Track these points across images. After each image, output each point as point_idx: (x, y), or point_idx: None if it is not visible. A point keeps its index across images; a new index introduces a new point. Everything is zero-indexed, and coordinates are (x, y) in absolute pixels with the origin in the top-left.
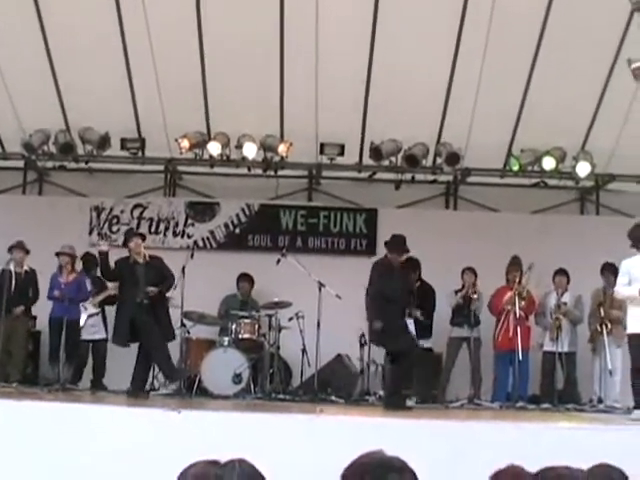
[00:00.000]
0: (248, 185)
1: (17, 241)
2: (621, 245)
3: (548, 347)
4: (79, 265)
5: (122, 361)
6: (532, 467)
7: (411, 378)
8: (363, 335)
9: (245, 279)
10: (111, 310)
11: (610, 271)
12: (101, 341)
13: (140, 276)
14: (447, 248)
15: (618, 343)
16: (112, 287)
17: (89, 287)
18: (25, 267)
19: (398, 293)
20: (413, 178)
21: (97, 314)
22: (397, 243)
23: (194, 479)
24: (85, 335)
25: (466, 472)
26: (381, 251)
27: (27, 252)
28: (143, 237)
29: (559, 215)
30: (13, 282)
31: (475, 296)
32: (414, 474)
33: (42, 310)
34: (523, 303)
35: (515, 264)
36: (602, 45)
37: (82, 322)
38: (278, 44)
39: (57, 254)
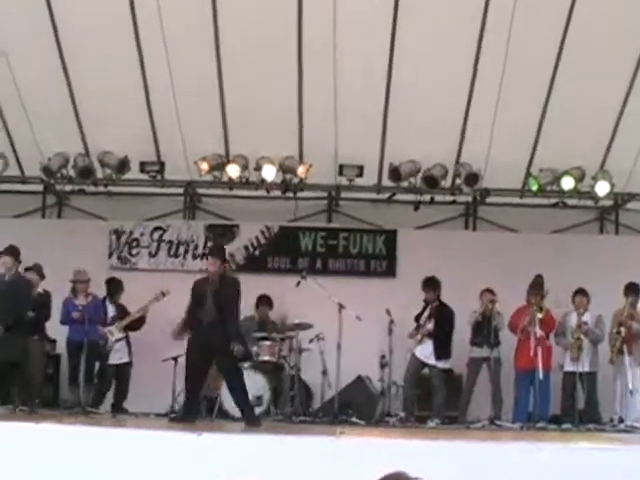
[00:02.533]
0: (267, 207)
1: (33, 264)
2: None
3: (569, 367)
4: (97, 289)
5: (142, 384)
6: None
7: (431, 400)
8: (384, 357)
9: (264, 301)
10: (135, 335)
11: (634, 291)
12: (125, 365)
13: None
14: (466, 269)
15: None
16: (135, 311)
17: (111, 312)
18: (39, 289)
19: None
20: (432, 199)
21: (122, 339)
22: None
23: None
24: (111, 360)
25: None
26: (401, 272)
27: (42, 276)
28: (223, 259)
29: (578, 235)
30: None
31: (493, 310)
32: None
33: (61, 334)
34: (540, 315)
35: (538, 283)
36: (621, 65)
37: (109, 346)
38: (296, 66)
39: (72, 282)
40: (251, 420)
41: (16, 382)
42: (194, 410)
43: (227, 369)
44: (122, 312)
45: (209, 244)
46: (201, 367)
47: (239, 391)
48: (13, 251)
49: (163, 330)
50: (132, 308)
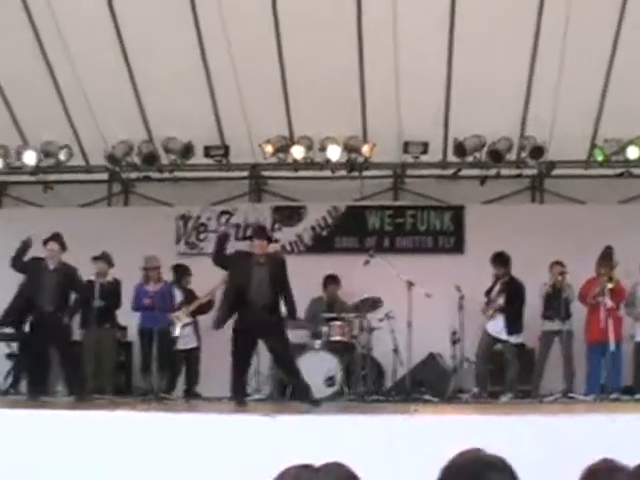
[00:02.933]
0: (333, 187)
1: (101, 252)
2: None
3: (639, 338)
4: (165, 275)
5: (215, 368)
6: (629, 459)
7: (503, 375)
8: (455, 333)
9: (331, 281)
10: (204, 319)
11: None
12: (194, 350)
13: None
14: (534, 242)
15: None
16: (203, 296)
17: (179, 298)
18: (109, 278)
19: None
20: (498, 173)
21: (190, 324)
22: None
23: None
24: (179, 345)
25: (562, 466)
26: (469, 248)
27: (110, 264)
28: (269, 239)
29: None
30: (97, 293)
31: (563, 283)
32: (513, 472)
33: (132, 321)
34: (611, 286)
35: (607, 255)
36: None
37: (177, 332)
38: (356, 45)
39: (144, 269)
40: (311, 400)
41: (63, 369)
42: (244, 391)
43: (279, 351)
44: (190, 297)
45: (277, 226)
46: (250, 349)
47: (292, 372)
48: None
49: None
50: (201, 293)
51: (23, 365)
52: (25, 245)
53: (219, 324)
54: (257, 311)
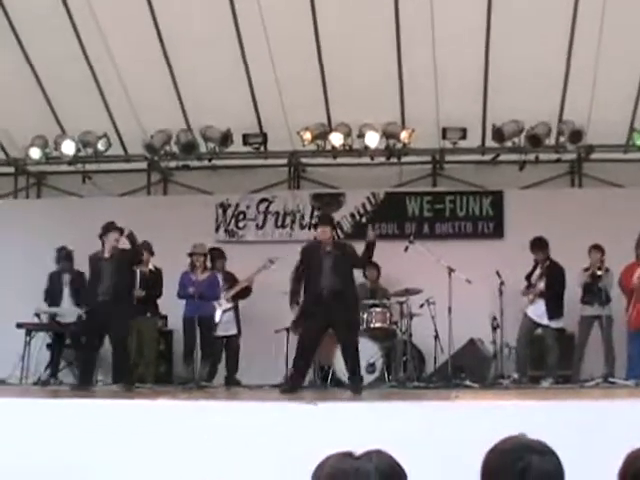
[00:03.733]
0: (372, 174)
1: (142, 241)
2: None
3: None
4: (209, 263)
5: (255, 355)
6: None
7: (543, 360)
8: (495, 318)
9: (372, 267)
10: (247, 304)
11: None
12: (234, 337)
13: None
14: (574, 226)
15: None
16: (244, 280)
17: (221, 283)
18: (150, 267)
19: None
20: (537, 158)
21: (231, 309)
22: None
23: (331, 471)
24: (219, 331)
25: (604, 451)
26: (509, 233)
27: (151, 253)
28: (333, 225)
29: None
30: (138, 282)
31: (600, 272)
32: (557, 457)
33: (172, 309)
34: None
35: None
36: None
37: (217, 318)
38: (394, 31)
39: (190, 254)
40: (357, 389)
41: (112, 359)
42: (302, 381)
43: (347, 338)
44: (231, 280)
45: (316, 213)
46: (317, 336)
47: (355, 361)
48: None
49: (274, 300)
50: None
51: (59, 355)
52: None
53: (293, 305)
54: (326, 297)
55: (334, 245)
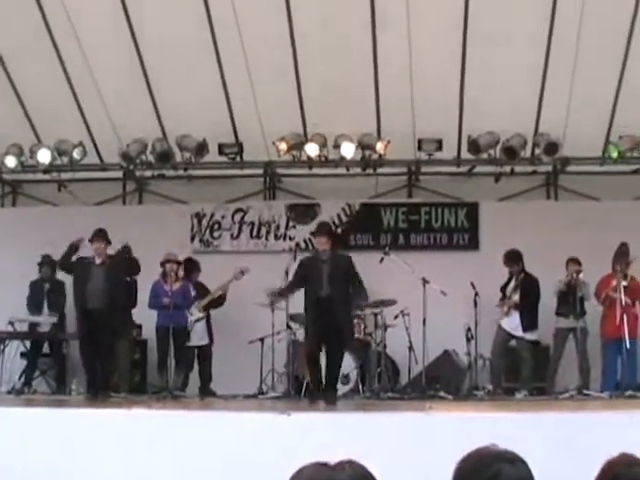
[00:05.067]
0: (347, 185)
1: (124, 245)
2: None
3: None
4: (181, 272)
5: (229, 365)
6: None
7: (518, 371)
8: (469, 330)
9: None
10: (220, 314)
11: None
12: (206, 346)
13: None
14: (550, 239)
15: None
16: (215, 290)
17: (192, 293)
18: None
19: None
20: (512, 170)
21: (202, 319)
22: None
23: None
24: (191, 341)
25: (579, 463)
26: (484, 245)
27: (128, 252)
28: (330, 234)
29: None
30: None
31: (577, 277)
32: (527, 465)
33: (146, 319)
34: (625, 283)
35: (623, 252)
36: None
37: (189, 328)
38: (371, 42)
39: (163, 263)
40: (332, 400)
41: (100, 367)
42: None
43: (336, 347)
44: (202, 291)
45: (291, 223)
46: (320, 342)
47: (336, 371)
48: (103, 235)
49: (247, 310)
50: None
51: (34, 364)
52: (72, 247)
53: (272, 296)
54: (326, 307)
55: (332, 255)
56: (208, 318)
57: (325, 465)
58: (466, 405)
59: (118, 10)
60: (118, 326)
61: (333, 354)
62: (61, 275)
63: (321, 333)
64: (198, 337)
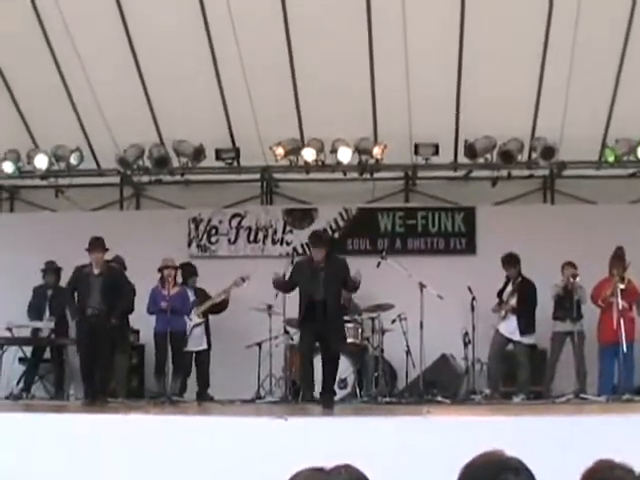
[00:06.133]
0: (344, 189)
1: (114, 256)
2: None
3: None
4: (179, 277)
5: (227, 370)
6: None
7: (515, 376)
8: (467, 334)
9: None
10: (218, 319)
11: None
12: (204, 351)
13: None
14: (546, 243)
15: None
16: (216, 296)
17: (191, 297)
18: None
19: None
20: (509, 174)
21: (201, 324)
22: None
23: None
24: (189, 346)
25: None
26: (481, 249)
27: (124, 267)
28: (326, 244)
29: None
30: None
31: (573, 280)
32: (531, 474)
33: (144, 324)
34: (622, 286)
35: (619, 255)
36: None
37: (187, 332)
38: (367, 47)
39: (161, 269)
40: (329, 404)
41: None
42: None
43: (331, 352)
44: (202, 296)
45: (288, 228)
46: (313, 347)
47: (333, 375)
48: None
49: (244, 315)
50: (213, 295)
51: (35, 369)
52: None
53: (276, 282)
54: (317, 311)
55: (327, 260)
56: (206, 323)
57: (321, 470)
58: (464, 409)
59: (115, 16)
60: (117, 335)
61: (329, 358)
62: (65, 282)
63: (315, 336)
64: (196, 342)
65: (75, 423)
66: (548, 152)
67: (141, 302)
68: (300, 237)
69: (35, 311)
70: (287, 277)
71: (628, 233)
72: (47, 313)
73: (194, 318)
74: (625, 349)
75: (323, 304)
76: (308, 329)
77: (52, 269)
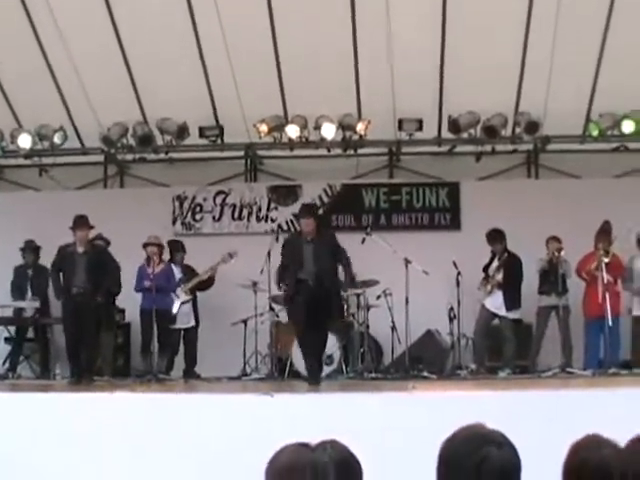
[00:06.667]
0: (329, 166)
1: (98, 234)
2: None
3: (637, 312)
4: (166, 255)
5: (213, 348)
6: (627, 434)
7: (501, 350)
8: (452, 309)
9: None
10: (203, 296)
11: None
12: (192, 329)
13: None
14: (531, 217)
15: None
16: (202, 273)
17: (178, 275)
18: None
19: None
20: (493, 149)
21: (188, 301)
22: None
23: (286, 462)
24: (177, 324)
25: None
26: (465, 224)
27: (108, 245)
28: (316, 215)
29: None
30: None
31: (558, 254)
32: (514, 448)
33: (130, 302)
34: (607, 260)
35: (605, 230)
36: None
37: (175, 310)
38: (350, 23)
39: (144, 245)
40: (315, 380)
41: (84, 351)
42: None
43: (323, 325)
44: (189, 273)
45: (272, 205)
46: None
47: (321, 350)
48: (84, 222)
49: (231, 292)
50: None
51: (20, 349)
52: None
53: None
54: (309, 286)
55: (316, 234)
56: (194, 301)
57: (306, 446)
58: (449, 384)
59: None
60: (102, 313)
61: (318, 333)
62: (44, 260)
63: (306, 313)
64: (183, 320)
65: (61, 402)
66: (532, 127)
67: (126, 281)
68: (285, 214)
69: (17, 290)
70: (270, 259)
71: (612, 207)
72: (29, 293)
73: (181, 295)
74: (610, 323)
75: (315, 277)
76: (301, 308)
77: (31, 248)
